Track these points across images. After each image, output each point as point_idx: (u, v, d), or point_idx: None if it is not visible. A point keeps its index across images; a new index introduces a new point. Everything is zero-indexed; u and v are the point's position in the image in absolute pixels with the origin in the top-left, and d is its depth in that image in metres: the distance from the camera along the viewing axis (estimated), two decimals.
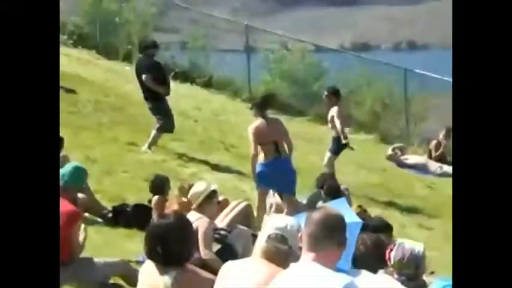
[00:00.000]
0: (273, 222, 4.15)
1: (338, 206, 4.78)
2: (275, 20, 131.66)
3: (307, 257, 3.51)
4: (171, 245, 4.15)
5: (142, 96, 11.90)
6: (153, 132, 11.78)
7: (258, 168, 9.23)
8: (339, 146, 11.69)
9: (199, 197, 7.02)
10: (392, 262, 5.00)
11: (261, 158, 9.23)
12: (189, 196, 7.21)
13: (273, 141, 9.18)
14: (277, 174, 9.22)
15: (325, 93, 11.97)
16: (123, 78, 12.98)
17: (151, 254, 4.29)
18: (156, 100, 11.69)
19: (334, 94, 11.84)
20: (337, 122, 11.42)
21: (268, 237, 4.06)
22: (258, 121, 9.25)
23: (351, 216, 5.32)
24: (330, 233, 3.50)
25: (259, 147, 9.17)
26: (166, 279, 4.20)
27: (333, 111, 11.58)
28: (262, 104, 9.36)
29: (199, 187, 7.14)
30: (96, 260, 6.35)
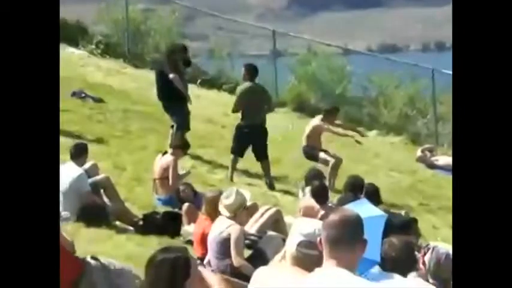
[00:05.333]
0: (301, 229, 4.08)
1: (360, 206, 4.72)
2: (301, 24, 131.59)
3: (329, 263, 3.43)
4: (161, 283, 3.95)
5: (157, 95, 11.89)
6: (171, 131, 11.68)
7: None
8: None
9: (232, 206, 6.94)
10: (427, 266, 4.93)
11: None
12: (221, 203, 7.09)
13: None
14: None
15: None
16: (151, 86, 13.00)
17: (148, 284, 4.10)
18: (172, 99, 11.59)
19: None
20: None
21: (298, 244, 4.01)
22: None
23: (375, 211, 5.29)
24: (348, 234, 3.41)
25: None
26: None
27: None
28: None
29: (231, 196, 7.01)
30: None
